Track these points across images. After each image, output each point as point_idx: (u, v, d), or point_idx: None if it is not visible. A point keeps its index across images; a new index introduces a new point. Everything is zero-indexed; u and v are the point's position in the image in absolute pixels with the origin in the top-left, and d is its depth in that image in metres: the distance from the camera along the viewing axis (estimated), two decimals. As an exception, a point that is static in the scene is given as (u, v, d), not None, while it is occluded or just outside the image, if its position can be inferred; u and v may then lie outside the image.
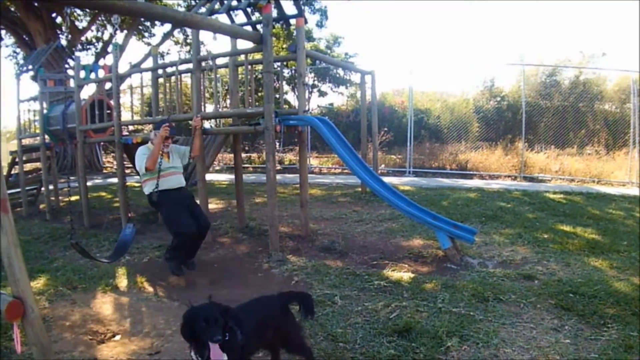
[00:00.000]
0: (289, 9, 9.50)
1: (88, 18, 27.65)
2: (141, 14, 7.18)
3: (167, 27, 28.62)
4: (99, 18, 27.54)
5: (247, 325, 3.61)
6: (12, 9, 23.84)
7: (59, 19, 25.28)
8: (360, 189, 14.20)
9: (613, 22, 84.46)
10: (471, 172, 19.79)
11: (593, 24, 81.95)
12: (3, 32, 26.22)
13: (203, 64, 9.10)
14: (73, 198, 9.03)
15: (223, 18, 9.16)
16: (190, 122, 8.35)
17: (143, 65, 17.47)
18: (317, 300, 5.69)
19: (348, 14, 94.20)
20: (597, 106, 23.01)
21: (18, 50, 27.32)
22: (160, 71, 10.30)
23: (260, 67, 10.97)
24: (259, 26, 8.84)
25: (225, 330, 3.30)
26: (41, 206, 13.78)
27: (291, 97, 28.15)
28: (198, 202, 7.96)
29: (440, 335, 4.66)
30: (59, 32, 25.27)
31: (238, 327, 3.46)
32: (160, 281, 6.87)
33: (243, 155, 20.34)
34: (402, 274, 6.72)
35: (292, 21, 9.26)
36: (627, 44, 71.53)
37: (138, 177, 12.48)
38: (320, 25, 28.04)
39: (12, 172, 14.14)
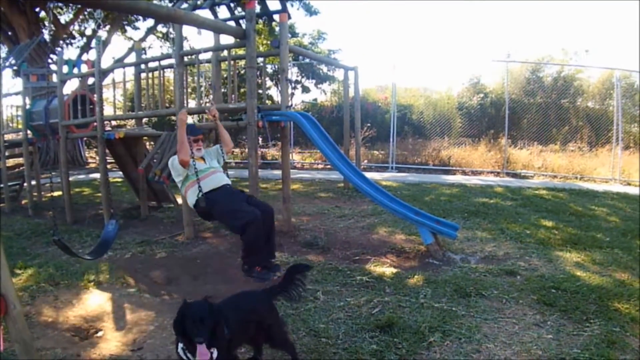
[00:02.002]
0: (273, 4, 9.51)
1: (71, 13, 27.47)
2: (124, 9, 7.18)
3: (151, 22, 28.47)
4: (83, 13, 27.35)
5: (233, 320, 3.60)
6: (-5, 3, 23.68)
7: (42, 14, 25.09)
8: (342, 185, 14.23)
9: (595, 19, 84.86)
10: (454, 168, 19.88)
11: (576, 21, 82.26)
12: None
13: (186, 59, 9.09)
14: (55, 194, 8.97)
15: (206, 13, 9.15)
16: (173, 117, 8.32)
17: (126, 60, 17.40)
18: (300, 296, 5.71)
19: (332, 9, 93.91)
20: (580, 103, 23.16)
21: (1, 45, 27.11)
22: (143, 66, 10.28)
23: (243, 62, 10.95)
24: (242, 21, 8.82)
25: (214, 331, 3.31)
26: (23, 202, 13.69)
27: (274, 93, 28.10)
28: (179, 198, 7.89)
29: (422, 331, 4.69)
30: (42, 26, 25.08)
31: (224, 322, 3.45)
32: (143, 277, 6.85)
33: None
34: (385, 269, 6.76)
35: (276, 17, 9.26)
36: (609, 41, 72.00)
37: (121, 173, 12.52)
38: (309, 11, 27.83)
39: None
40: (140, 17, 28.40)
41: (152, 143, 18.33)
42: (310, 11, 27.41)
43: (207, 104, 7.07)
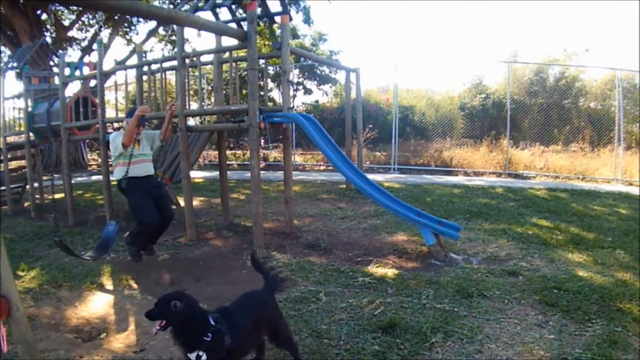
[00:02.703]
0: (274, 6, 9.52)
1: (73, 16, 27.50)
2: (126, 11, 7.19)
3: (152, 24, 28.47)
4: (84, 15, 27.38)
5: (244, 324, 3.66)
6: (-3, 6, 23.70)
7: (44, 16, 25.12)
8: (344, 186, 14.24)
9: (596, 20, 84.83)
10: (456, 169, 19.89)
11: (578, 22, 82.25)
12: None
13: (187, 61, 9.10)
14: (57, 196, 9.00)
15: (208, 15, 9.15)
16: (175, 119, 8.35)
17: (128, 63, 17.41)
18: (302, 297, 5.72)
19: (333, 10, 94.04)
20: (582, 103, 23.18)
21: (3, 47, 27.13)
22: (145, 68, 10.29)
23: (244, 64, 10.95)
24: (243, 23, 8.83)
25: (169, 316, 3.44)
26: (26, 204, 13.71)
27: (276, 95, 28.12)
28: (182, 200, 7.96)
29: (424, 332, 4.69)
30: (44, 29, 25.10)
31: (230, 330, 3.48)
32: (146, 279, 6.86)
33: (227, 152, 20.30)
34: (387, 270, 6.76)
35: (277, 18, 9.27)
36: (610, 41, 71.96)
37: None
38: (307, 22, 27.98)
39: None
40: (142, 20, 28.43)
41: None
42: (308, 22, 27.46)
43: (173, 106, 7.50)
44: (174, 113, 7.59)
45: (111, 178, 7.40)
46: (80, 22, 28.36)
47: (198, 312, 3.49)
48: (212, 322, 3.46)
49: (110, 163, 8.77)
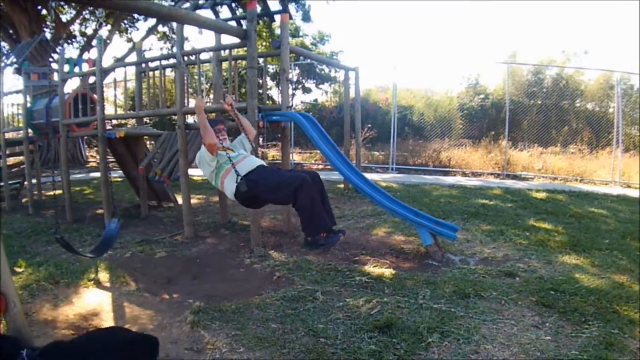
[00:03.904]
0: (274, 5, 9.53)
1: (73, 12, 27.49)
2: (125, 8, 7.18)
3: (151, 22, 28.50)
4: (84, 12, 27.37)
5: None
6: (-3, 2, 23.68)
7: (44, 12, 25.10)
8: (342, 185, 14.22)
9: (595, 21, 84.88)
10: (454, 170, 19.88)
11: (576, 23, 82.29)
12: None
13: (186, 58, 9.10)
14: (56, 192, 9.00)
15: (207, 13, 9.16)
16: (174, 117, 8.34)
17: (127, 60, 17.41)
18: (299, 296, 5.72)
19: (333, 10, 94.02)
20: (580, 105, 23.20)
21: (3, 43, 27.09)
22: (144, 65, 10.29)
23: (244, 62, 10.94)
24: (243, 22, 8.83)
25: None
26: (24, 200, 13.70)
27: (275, 94, 28.14)
28: (180, 197, 7.89)
29: (421, 331, 4.69)
30: (43, 25, 25.09)
31: None
32: (143, 276, 6.86)
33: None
34: (384, 270, 6.76)
35: (277, 17, 9.27)
36: (609, 43, 72.00)
37: (122, 172, 12.52)
38: (306, 19, 28.03)
39: (-5, 166, 14.07)
40: (141, 17, 28.42)
41: (152, 142, 18.34)
42: (308, 18, 27.48)
43: (227, 96, 6.58)
44: (233, 107, 6.62)
45: (228, 196, 6.36)
46: (80, 19, 28.34)
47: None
48: None
49: (110, 159, 8.76)
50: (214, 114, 8.71)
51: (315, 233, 5.65)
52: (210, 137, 5.85)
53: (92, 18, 28.72)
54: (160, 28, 29.37)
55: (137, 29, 30.42)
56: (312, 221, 5.59)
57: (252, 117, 7.85)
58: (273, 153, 23.88)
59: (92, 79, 12.01)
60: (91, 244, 8.47)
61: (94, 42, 24.47)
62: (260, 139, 10.05)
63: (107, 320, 5.28)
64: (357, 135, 15.14)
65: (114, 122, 17.55)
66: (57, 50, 13.26)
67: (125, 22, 28.95)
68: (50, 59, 14.48)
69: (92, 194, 14.97)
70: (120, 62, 12.70)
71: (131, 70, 10.51)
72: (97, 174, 16.99)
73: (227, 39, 8.89)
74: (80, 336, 3.58)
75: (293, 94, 28.07)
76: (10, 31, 24.59)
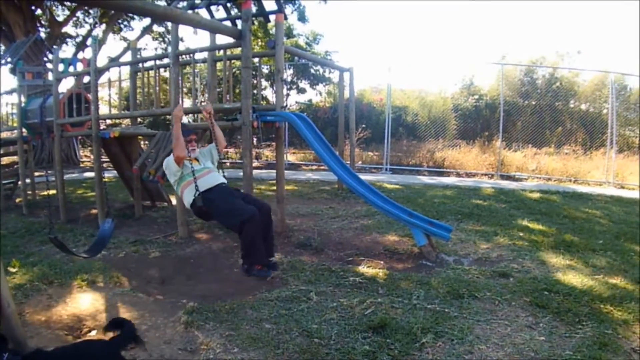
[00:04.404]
0: (269, 5, 9.52)
1: (67, 12, 27.42)
2: (120, 8, 7.18)
3: (146, 21, 28.46)
4: (79, 11, 27.32)
5: None
6: (-8, 1, 23.61)
7: (38, 11, 25.04)
8: (336, 186, 14.24)
9: (588, 21, 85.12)
10: (448, 170, 19.94)
11: (569, 23, 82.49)
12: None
13: (181, 58, 9.10)
14: (50, 192, 8.99)
15: (203, 13, 9.15)
16: (168, 116, 8.33)
17: (122, 60, 17.40)
18: (293, 297, 5.72)
19: (327, 10, 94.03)
20: (574, 106, 23.26)
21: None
22: (139, 65, 10.28)
23: (238, 62, 10.94)
24: (238, 22, 8.83)
25: None
26: (17, 200, 13.68)
27: (269, 94, 28.13)
28: (174, 198, 7.91)
29: (415, 332, 4.70)
30: (38, 24, 25.03)
31: None
32: (137, 276, 6.85)
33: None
34: (378, 270, 6.76)
35: (272, 17, 9.27)
36: (603, 43, 72.22)
37: (116, 172, 12.51)
38: (302, 19, 28.07)
39: (-11, 165, 14.05)
40: (136, 17, 28.38)
41: (146, 142, 18.32)
42: (303, 19, 27.50)
43: (203, 103, 6.96)
44: (211, 115, 6.83)
45: (185, 204, 6.82)
46: (74, 19, 28.28)
47: None
48: None
49: (104, 159, 8.78)
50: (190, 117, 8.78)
51: (250, 263, 6.36)
52: (181, 149, 6.22)
53: (87, 18, 28.64)
54: (156, 28, 29.36)
55: (132, 29, 30.38)
56: (250, 253, 6.28)
57: (246, 117, 7.84)
58: (267, 153, 23.87)
59: (86, 79, 11.99)
60: (85, 244, 8.46)
61: (89, 42, 24.48)
62: (255, 140, 10.06)
63: (101, 321, 5.27)
64: (352, 136, 15.13)
65: (108, 121, 17.54)
66: (52, 49, 13.24)
67: (120, 21, 28.88)
68: (45, 59, 14.44)
69: (85, 194, 14.94)
70: (114, 61, 12.67)
71: (126, 70, 10.51)
72: (91, 174, 16.98)
73: (222, 39, 8.89)
74: (65, 347, 3.52)
75: (287, 95, 28.09)
76: (5, 30, 24.51)
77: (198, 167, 6.48)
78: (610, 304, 5.41)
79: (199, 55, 9.42)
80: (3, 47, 24.83)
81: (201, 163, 6.68)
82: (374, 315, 5.13)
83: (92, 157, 16.69)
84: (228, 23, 9.02)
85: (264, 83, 26.69)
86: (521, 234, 8.72)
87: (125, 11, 20.31)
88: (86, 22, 29.02)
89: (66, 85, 12.39)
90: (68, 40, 29.52)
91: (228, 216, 6.26)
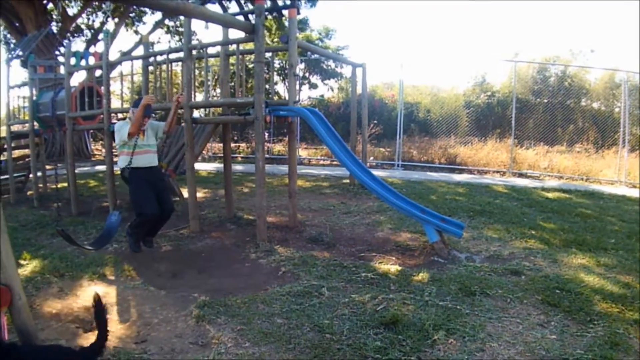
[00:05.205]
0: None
1: (80, 5, 27.45)
2: (132, 1, 7.16)
3: (158, 15, 28.42)
4: (91, 5, 27.33)
5: None
6: (4, -6, 23.65)
7: (50, 5, 25.08)
8: (348, 181, 14.25)
9: (602, 19, 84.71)
10: (460, 167, 19.86)
11: (583, 21, 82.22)
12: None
13: (194, 52, 9.09)
14: (61, 185, 9.00)
15: (215, 7, 9.15)
16: (180, 111, 8.35)
17: (134, 53, 17.41)
18: (304, 292, 5.72)
19: (340, 5, 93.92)
20: (586, 104, 23.16)
21: (9, 36, 27.07)
22: (151, 59, 10.28)
23: (251, 57, 10.91)
24: (251, 16, 8.81)
25: None
26: (29, 193, 13.70)
27: (281, 89, 28.09)
28: (186, 191, 7.97)
29: (426, 328, 4.68)
30: (50, 18, 25.07)
31: None
32: (148, 270, 6.85)
33: (232, 144, 20.30)
34: (390, 266, 6.74)
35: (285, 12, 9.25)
36: (616, 41, 71.83)
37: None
38: (312, 3, 27.89)
39: (1, 158, 14.07)
40: (149, 11, 28.38)
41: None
42: (314, 4, 27.39)
43: (182, 95, 7.67)
44: (180, 105, 7.70)
45: (115, 168, 7.45)
46: (86, 12, 28.31)
47: None
48: None
49: (115, 153, 8.80)
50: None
51: (130, 235, 7.55)
52: (135, 130, 7.12)
53: (99, 12, 28.65)
54: (168, 22, 29.34)
55: (144, 23, 30.36)
56: (133, 232, 7.51)
57: (259, 111, 7.82)
58: (279, 148, 23.85)
59: (98, 72, 12.00)
60: (96, 237, 8.45)
61: (101, 36, 24.46)
62: (267, 134, 10.06)
63: (111, 314, 5.26)
64: (364, 132, 15.09)
65: (120, 115, 17.59)
66: (64, 43, 13.27)
67: (132, 15, 28.89)
68: (57, 52, 14.50)
69: (97, 187, 14.98)
70: (126, 55, 12.69)
71: (138, 64, 10.49)
72: (102, 168, 16.99)
73: (234, 34, 8.87)
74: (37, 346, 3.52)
75: (299, 89, 28.07)
76: (17, 24, 24.57)
77: (141, 142, 7.37)
78: (622, 303, 5.38)
79: (211, 50, 9.41)
80: (15, 41, 24.92)
81: (145, 138, 7.47)
82: (385, 312, 5.11)
83: (103, 150, 16.72)
84: (241, 18, 9.00)
85: (276, 78, 26.63)
86: (533, 232, 8.68)
87: (137, 5, 20.31)
88: (98, 15, 29.05)
89: (78, 78, 12.40)
90: (80, 34, 29.50)
91: (134, 201, 7.57)
